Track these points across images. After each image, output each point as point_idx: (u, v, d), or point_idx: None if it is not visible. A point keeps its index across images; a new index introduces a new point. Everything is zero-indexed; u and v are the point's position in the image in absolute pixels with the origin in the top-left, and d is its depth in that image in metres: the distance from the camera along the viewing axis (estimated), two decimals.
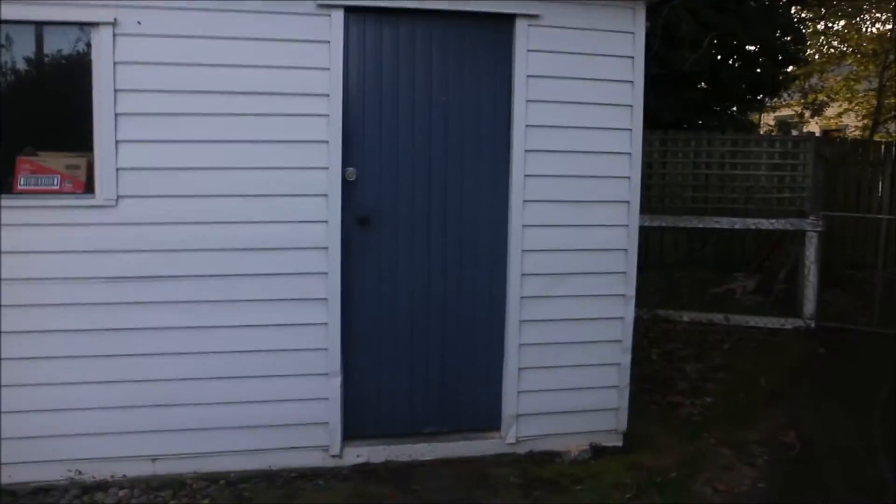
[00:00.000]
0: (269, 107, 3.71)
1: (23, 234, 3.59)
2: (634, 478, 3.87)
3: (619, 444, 4.25)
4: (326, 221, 3.80)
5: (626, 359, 4.19)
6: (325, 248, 3.82)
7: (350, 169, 3.86)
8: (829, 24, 14.62)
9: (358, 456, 3.97)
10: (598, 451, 4.18)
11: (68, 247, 3.62)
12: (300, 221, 3.79)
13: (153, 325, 3.71)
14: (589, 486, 3.79)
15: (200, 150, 3.68)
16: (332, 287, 3.83)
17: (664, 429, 4.53)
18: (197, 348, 3.75)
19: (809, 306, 6.81)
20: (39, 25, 3.64)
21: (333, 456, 3.92)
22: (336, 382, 3.88)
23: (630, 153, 4.10)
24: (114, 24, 3.54)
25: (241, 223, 3.73)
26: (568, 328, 4.15)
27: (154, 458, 3.78)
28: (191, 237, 3.69)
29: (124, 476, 3.77)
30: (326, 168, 3.78)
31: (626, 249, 4.15)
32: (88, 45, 3.61)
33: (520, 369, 4.09)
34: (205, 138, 3.68)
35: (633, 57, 4.05)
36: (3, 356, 3.61)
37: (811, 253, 6.82)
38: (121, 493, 3.70)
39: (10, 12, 3.50)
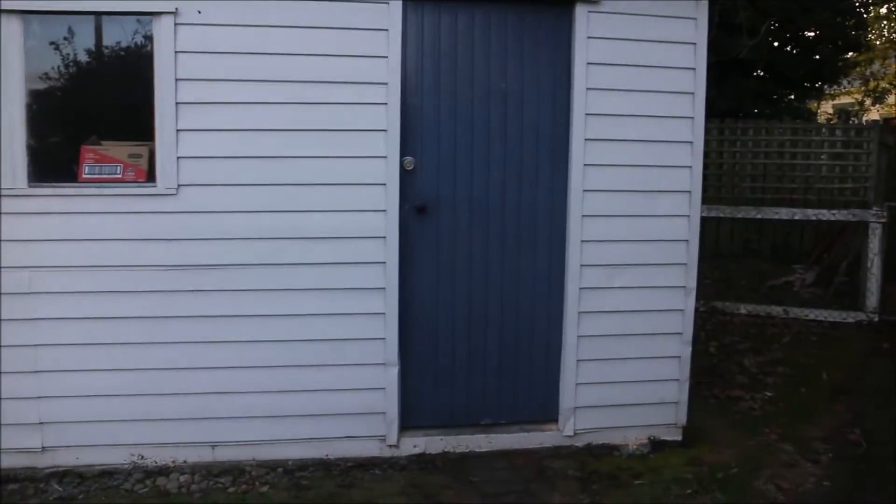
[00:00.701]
0: (327, 95, 3.76)
1: (87, 222, 3.70)
2: (695, 473, 3.84)
3: (678, 438, 4.22)
4: (384, 210, 3.83)
5: (687, 352, 4.16)
6: (383, 237, 3.85)
7: (408, 158, 3.89)
8: (893, 8, 14.17)
9: (415, 446, 4.01)
10: (656, 445, 4.15)
11: (130, 234, 3.72)
12: (358, 210, 3.83)
13: (212, 313, 3.80)
14: (648, 480, 3.77)
15: (259, 138, 3.73)
16: (390, 277, 3.87)
17: (724, 423, 4.49)
18: (255, 336, 3.82)
19: (872, 299, 6.66)
20: (101, 16, 3.74)
21: (390, 446, 3.97)
22: (394, 372, 3.91)
23: (691, 142, 4.05)
24: (175, 13, 3.61)
25: (300, 212, 3.79)
26: (627, 320, 4.13)
27: (214, 445, 3.87)
28: (249, 226, 3.76)
29: (185, 462, 3.87)
30: (385, 157, 3.81)
31: (687, 240, 4.11)
32: (149, 35, 3.69)
33: (578, 361, 4.09)
34: (264, 127, 3.74)
35: (695, 43, 3.99)
36: (66, 342, 3.74)
37: (875, 245, 6.66)
38: (182, 478, 3.79)
39: (73, 4, 3.61)
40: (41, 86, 3.75)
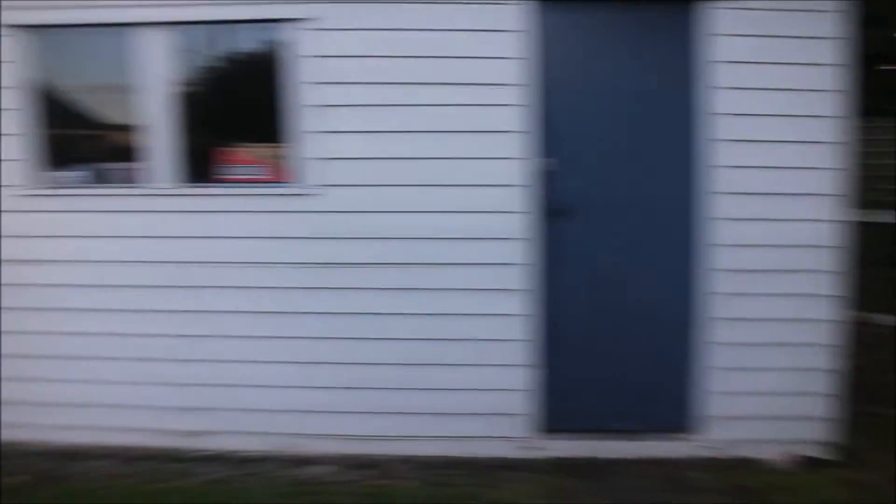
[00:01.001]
0: (461, 97, 3.77)
1: (226, 221, 3.89)
2: (847, 495, 3.69)
3: (826, 455, 4.07)
4: (522, 212, 3.83)
5: (834, 365, 3.99)
6: (522, 239, 3.85)
7: (545, 159, 3.87)
8: None
9: (553, 450, 4.00)
10: (803, 461, 4.01)
11: (267, 233, 3.88)
12: (496, 212, 3.84)
13: (351, 309, 3.91)
14: (797, 499, 3.66)
15: (392, 140, 3.77)
16: (529, 278, 3.88)
17: (876, 444, 4.29)
18: (394, 334, 3.91)
19: None
20: (237, 24, 3.89)
21: (529, 448, 3.99)
22: (534, 374, 3.94)
23: (834, 142, 3.84)
24: (306, 19, 3.74)
25: (437, 213, 3.83)
26: (766, 328, 3.99)
27: (352, 438, 4.00)
28: (385, 225, 3.82)
29: (325, 453, 4.01)
30: (521, 158, 3.80)
31: (831, 246, 3.92)
32: (283, 40, 3.82)
33: (715, 369, 3.98)
34: (396, 129, 3.78)
35: (836, 38, 3.76)
36: (208, 333, 3.96)
37: None
38: (324, 468, 3.94)
39: (211, 13, 3.80)
40: (186, 91, 3.94)
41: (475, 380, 3.92)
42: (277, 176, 3.92)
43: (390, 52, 3.76)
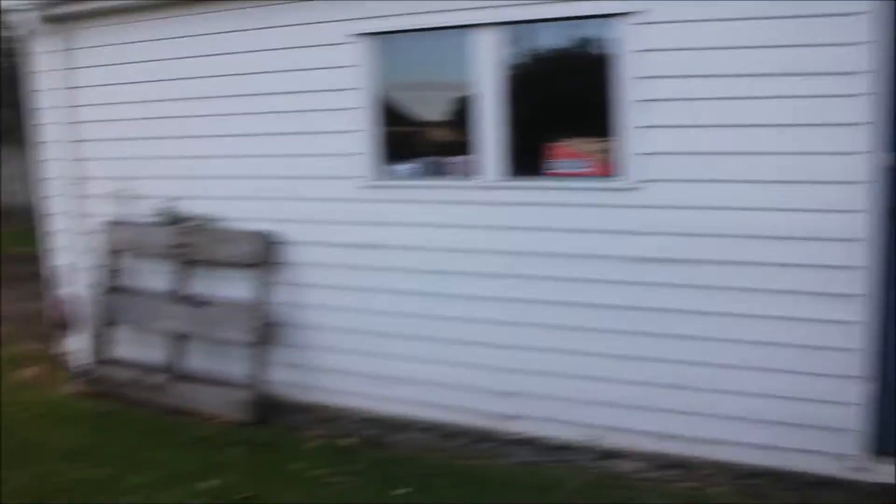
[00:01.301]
0: (787, 88, 3.85)
1: (550, 214, 4.40)
2: None
3: None
4: (859, 211, 3.84)
5: None
6: (857, 239, 3.86)
7: (890, 154, 3.81)
8: None
9: (884, 475, 3.92)
10: None
11: (593, 226, 4.31)
12: (826, 210, 3.86)
13: (668, 306, 4.18)
14: None
15: (715, 134, 3.99)
16: (863, 283, 3.88)
17: None
18: (709, 334, 4.11)
19: None
20: (564, 21, 4.36)
21: (856, 469, 3.98)
22: (864, 388, 3.92)
23: None
24: (634, 13, 4.05)
25: (760, 210, 3.95)
26: None
27: (663, 437, 4.30)
28: (706, 222, 4.05)
29: (638, 449, 4.34)
30: (864, 153, 3.79)
31: None
32: (610, 36, 4.17)
33: None
34: (719, 122, 3.98)
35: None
36: (524, 321, 4.56)
37: None
38: (634, 464, 4.26)
39: (539, 11, 4.31)
40: (513, 88, 4.48)
41: (797, 388, 3.99)
42: (600, 170, 4.36)
43: (722, 44, 3.92)
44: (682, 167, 4.08)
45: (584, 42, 4.44)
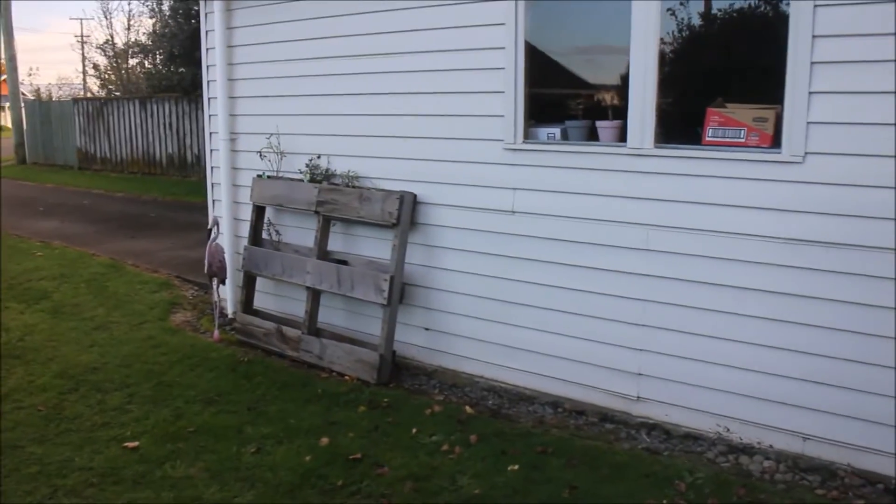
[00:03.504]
0: None
1: (705, 185, 4.10)
2: None
3: None
4: None
5: None
6: None
7: None
8: None
9: None
10: None
11: (747, 202, 3.99)
12: None
13: (832, 296, 3.81)
14: None
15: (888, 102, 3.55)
16: None
17: None
18: (867, 329, 3.75)
19: None
20: None
21: None
22: None
23: None
24: None
25: None
26: None
27: (805, 438, 3.99)
28: (878, 202, 3.68)
29: (771, 446, 4.08)
30: None
31: None
32: None
33: None
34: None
35: None
36: (672, 301, 4.31)
37: None
38: (766, 462, 3.99)
39: None
40: (670, 50, 4.25)
41: None
42: (765, 140, 3.99)
43: None
44: (854, 139, 3.71)
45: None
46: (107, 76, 26.07)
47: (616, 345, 4.44)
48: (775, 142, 3.92)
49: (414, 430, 4.24)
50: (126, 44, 25.08)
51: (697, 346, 4.17)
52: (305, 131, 5.69)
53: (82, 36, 33.40)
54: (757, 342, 4.01)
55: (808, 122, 3.78)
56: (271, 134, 5.77)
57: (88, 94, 29.16)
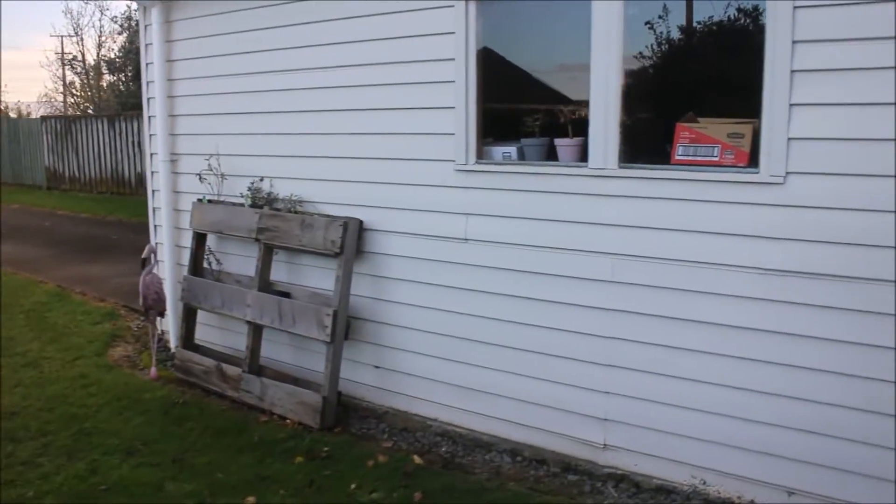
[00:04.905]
0: None
1: (676, 209, 3.67)
2: None
3: None
4: None
5: None
6: None
7: None
8: None
9: None
10: None
11: (723, 228, 3.56)
12: None
13: (818, 333, 3.40)
14: None
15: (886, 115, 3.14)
16: None
17: None
18: (862, 372, 3.34)
19: None
20: None
21: None
22: None
23: None
24: None
25: None
26: None
27: (791, 492, 3.56)
28: (874, 229, 3.27)
29: (752, 501, 3.65)
30: None
31: None
32: None
33: None
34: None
35: None
36: (642, 339, 3.87)
37: None
38: None
39: None
40: (635, 65, 3.84)
41: None
42: (741, 159, 3.58)
43: None
44: (839, 157, 3.30)
45: (720, 8, 3.86)
46: (82, 94, 25.58)
47: (580, 387, 4.01)
48: (753, 160, 3.51)
49: (353, 486, 3.78)
50: (97, 60, 24.55)
51: (669, 389, 3.74)
52: (248, 152, 5.27)
53: (62, 53, 32.71)
54: (734, 385, 3.60)
55: (789, 138, 3.37)
56: (211, 155, 5.19)
57: (58, 112, 28.63)
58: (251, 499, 3.70)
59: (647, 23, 3.93)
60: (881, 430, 3.29)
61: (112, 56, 22.05)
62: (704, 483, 3.75)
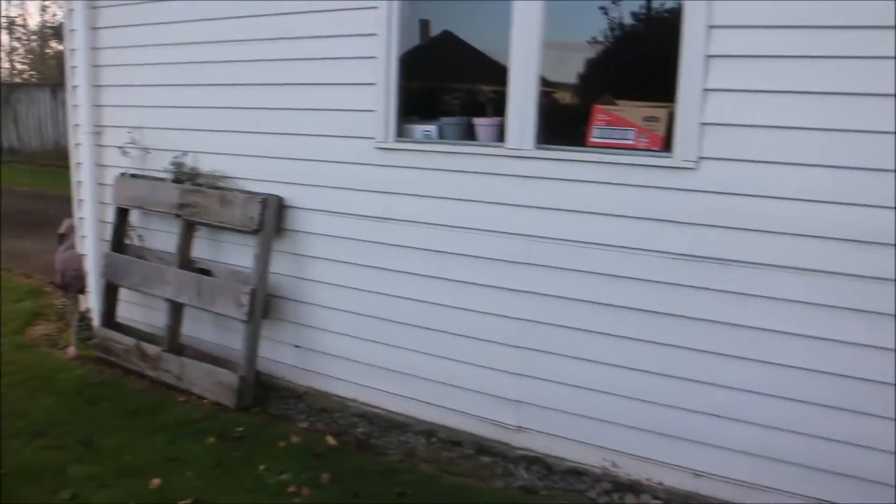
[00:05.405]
0: None
1: (589, 192, 3.67)
2: None
3: None
4: None
5: None
6: None
7: None
8: None
9: None
10: None
11: (636, 212, 3.56)
12: None
13: (716, 318, 3.44)
14: None
15: (807, 103, 3.20)
16: None
17: None
18: (773, 358, 3.36)
19: None
20: None
21: None
22: None
23: None
24: None
25: (851, 205, 3.19)
26: None
27: (697, 474, 3.62)
28: (781, 216, 3.29)
29: (660, 483, 3.68)
30: None
31: None
32: None
33: None
34: (820, 89, 3.17)
35: None
36: (550, 321, 3.87)
37: None
38: (653, 502, 3.63)
39: None
40: (556, 45, 3.81)
41: (849, 429, 3.27)
42: (656, 143, 3.58)
43: None
44: (754, 143, 3.30)
45: None
46: (26, 60, 24.68)
47: (493, 368, 3.99)
48: (667, 145, 3.51)
49: (262, 467, 3.72)
50: (41, 25, 23.68)
51: (579, 371, 3.76)
52: (172, 125, 5.12)
53: (0, 16, 31.39)
54: (642, 368, 3.62)
55: (702, 123, 3.37)
56: (134, 127, 5.03)
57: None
58: (156, 480, 3.62)
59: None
60: (779, 412, 3.38)
61: (58, 22, 21.23)
62: (615, 465, 3.77)
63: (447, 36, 4.66)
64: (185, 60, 5.00)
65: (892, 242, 3.10)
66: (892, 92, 3.01)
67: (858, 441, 3.25)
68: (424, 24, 4.67)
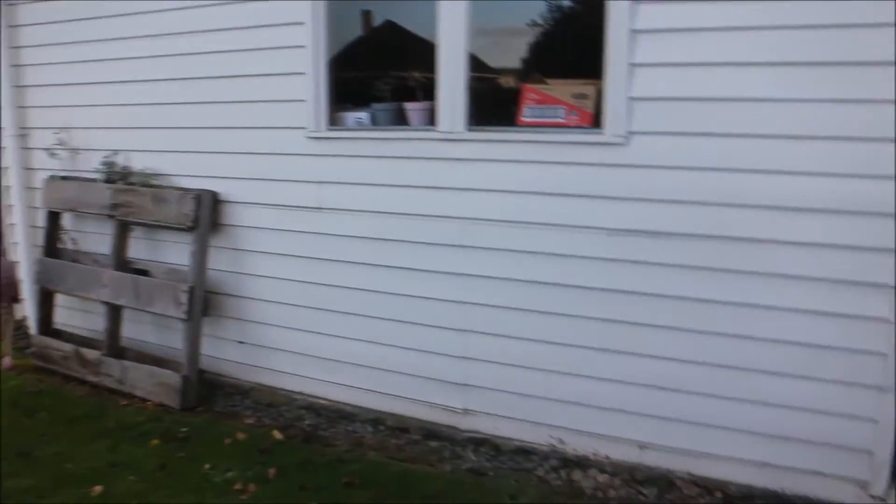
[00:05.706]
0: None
1: (522, 171, 3.68)
2: None
3: None
4: None
5: None
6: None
7: None
8: None
9: None
10: None
11: (568, 189, 3.59)
12: (857, 176, 3.12)
13: (656, 291, 3.48)
14: None
15: (742, 74, 3.17)
16: None
17: None
18: (705, 326, 3.41)
19: None
20: None
21: (873, 496, 3.30)
22: (891, 401, 3.28)
23: None
24: None
25: (777, 174, 3.22)
26: None
27: (642, 446, 3.65)
28: (716, 187, 3.29)
29: (607, 457, 3.73)
30: None
31: None
32: None
33: None
34: (751, 60, 3.19)
35: None
36: (494, 303, 3.90)
37: None
38: (600, 477, 3.65)
39: None
40: (485, 26, 3.81)
41: (803, 396, 3.27)
42: (585, 119, 3.59)
43: None
44: (684, 116, 3.32)
45: None
46: None
47: (437, 353, 4.00)
48: (596, 121, 3.53)
49: (207, 467, 3.66)
50: None
51: (523, 351, 3.79)
52: (101, 124, 5.01)
53: None
54: (585, 344, 3.66)
55: (631, 98, 3.40)
56: (61, 128, 4.90)
57: None
58: (98, 488, 3.55)
59: None
60: (720, 382, 3.46)
61: None
62: (562, 442, 3.80)
63: (389, 26, 4.62)
64: (109, 57, 4.88)
65: (817, 207, 3.18)
66: (811, 60, 3.10)
67: (790, 403, 3.35)
68: (366, 15, 4.63)
